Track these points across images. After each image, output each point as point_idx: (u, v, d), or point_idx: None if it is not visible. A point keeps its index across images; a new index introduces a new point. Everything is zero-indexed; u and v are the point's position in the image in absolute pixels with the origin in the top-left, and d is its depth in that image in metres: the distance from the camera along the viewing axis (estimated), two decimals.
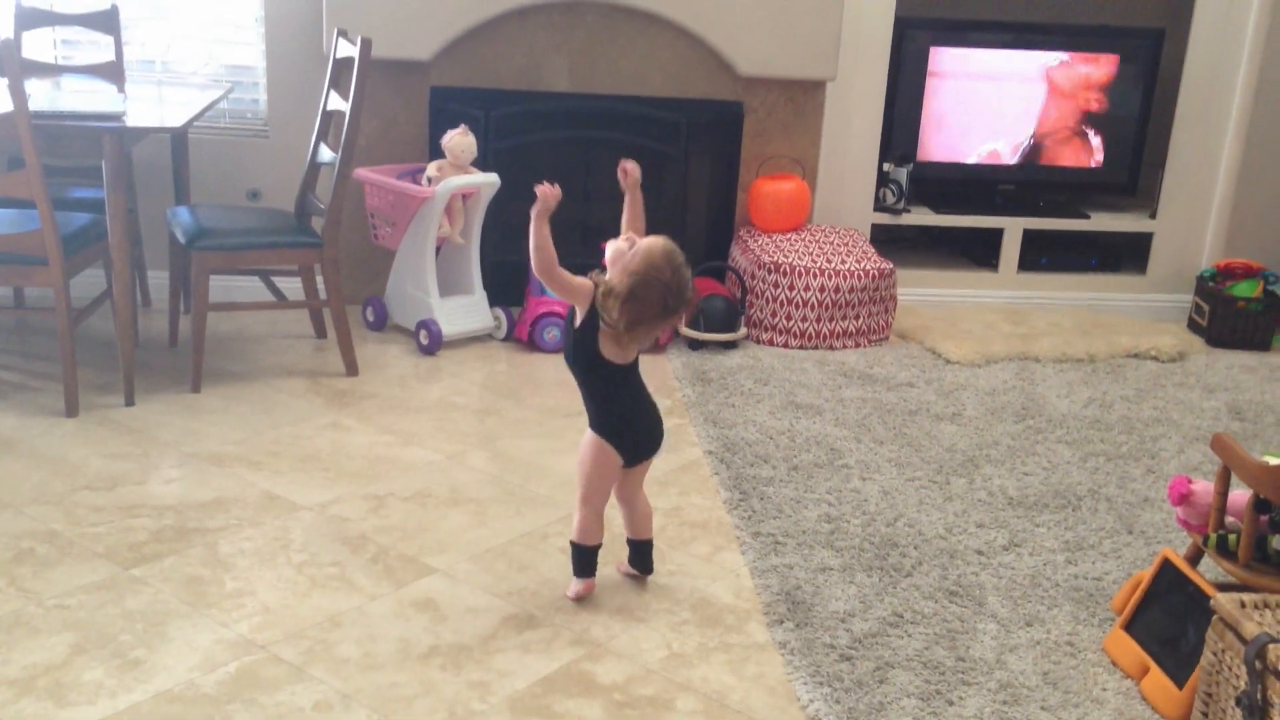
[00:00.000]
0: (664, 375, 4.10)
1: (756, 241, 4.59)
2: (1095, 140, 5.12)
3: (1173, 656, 2.43)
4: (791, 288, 4.38)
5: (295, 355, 4.10)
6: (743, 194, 4.76)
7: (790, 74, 4.57)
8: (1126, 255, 5.24)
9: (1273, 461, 2.37)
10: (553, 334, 4.20)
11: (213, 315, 4.14)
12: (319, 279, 4.14)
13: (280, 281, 4.29)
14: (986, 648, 2.59)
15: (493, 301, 4.34)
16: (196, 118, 3.72)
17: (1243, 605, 2.13)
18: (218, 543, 2.85)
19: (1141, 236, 5.17)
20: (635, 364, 2.62)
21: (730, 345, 4.37)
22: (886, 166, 4.94)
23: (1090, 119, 5.10)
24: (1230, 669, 2.12)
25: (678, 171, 4.63)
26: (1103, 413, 3.98)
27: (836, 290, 4.39)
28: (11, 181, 3.31)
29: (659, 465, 3.36)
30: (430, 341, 4.14)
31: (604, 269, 2.55)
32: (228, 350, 4.09)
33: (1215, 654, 2.18)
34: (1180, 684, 2.37)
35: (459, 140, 4.13)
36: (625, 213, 2.64)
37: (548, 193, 2.47)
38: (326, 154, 3.94)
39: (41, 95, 3.70)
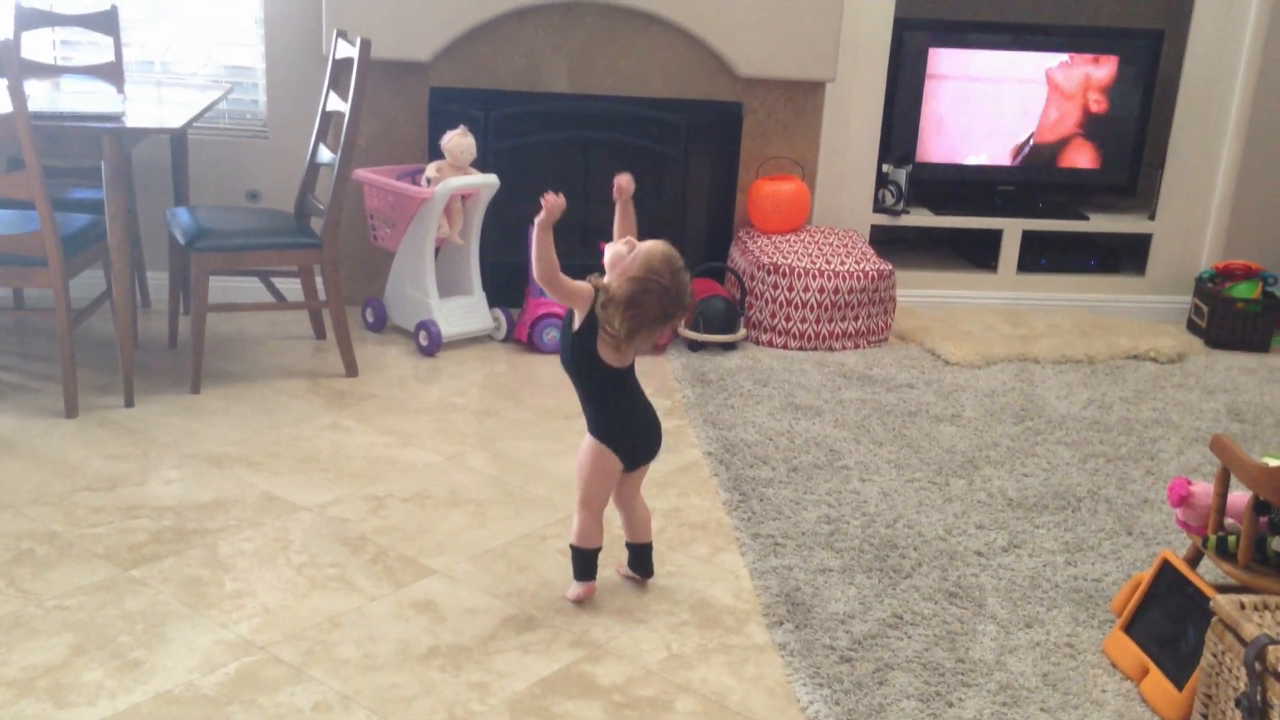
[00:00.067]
0: (663, 376, 4.10)
1: (756, 243, 4.59)
2: (1094, 141, 5.12)
3: (1172, 658, 2.43)
4: (791, 289, 4.38)
5: (295, 356, 4.10)
6: (742, 195, 4.76)
7: (790, 75, 4.57)
8: (1125, 256, 5.24)
9: (1272, 463, 2.37)
10: (552, 335, 4.20)
11: (212, 316, 4.14)
12: (318, 280, 4.14)
13: (280, 282, 4.29)
14: (986, 649, 2.59)
15: (492, 302, 4.34)
16: (196, 118, 3.72)
17: (1242, 607, 2.13)
18: (217, 544, 2.85)
19: (1141, 238, 5.17)
20: (632, 367, 2.62)
21: (729, 346, 4.37)
22: (886, 167, 4.94)
23: (1089, 120, 5.10)
24: (1230, 670, 2.13)
25: (677, 172, 4.63)
26: (1102, 414, 3.98)
27: (836, 291, 4.39)
28: (11, 182, 3.31)
29: (658, 466, 3.36)
30: (430, 342, 4.14)
31: (603, 271, 2.55)
32: (227, 351, 4.09)
33: (1215, 655, 2.18)
34: (1180, 685, 2.37)
35: (458, 141, 4.13)
36: (616, 223, 2.64)
37: (552, 202, 2.47)
38: (326, 155, 3.94)
39: (41, 96, 3.70)
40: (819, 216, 4.91)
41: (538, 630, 2.58)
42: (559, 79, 4.52)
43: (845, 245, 4.60)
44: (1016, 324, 4.81)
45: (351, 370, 3.92)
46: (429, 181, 4.14)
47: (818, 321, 4.41)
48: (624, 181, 2.62)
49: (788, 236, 4.65)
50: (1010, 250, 5.05)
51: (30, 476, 3.12)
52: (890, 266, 4.51)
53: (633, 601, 2.72)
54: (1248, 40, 4.87)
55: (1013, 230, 5.03)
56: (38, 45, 4.39)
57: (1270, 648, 1.99)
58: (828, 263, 4.42)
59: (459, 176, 4.15)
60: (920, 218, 5.04)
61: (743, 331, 4.42)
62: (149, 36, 4.52)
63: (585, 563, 2.70)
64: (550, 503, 3.15)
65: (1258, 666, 2.01)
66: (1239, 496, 2.53)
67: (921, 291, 5.01)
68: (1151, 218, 5.13)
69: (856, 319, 4.47)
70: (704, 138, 4.64)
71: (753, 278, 4.45)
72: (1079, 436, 3.78)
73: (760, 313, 4.45)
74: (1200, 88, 4.95)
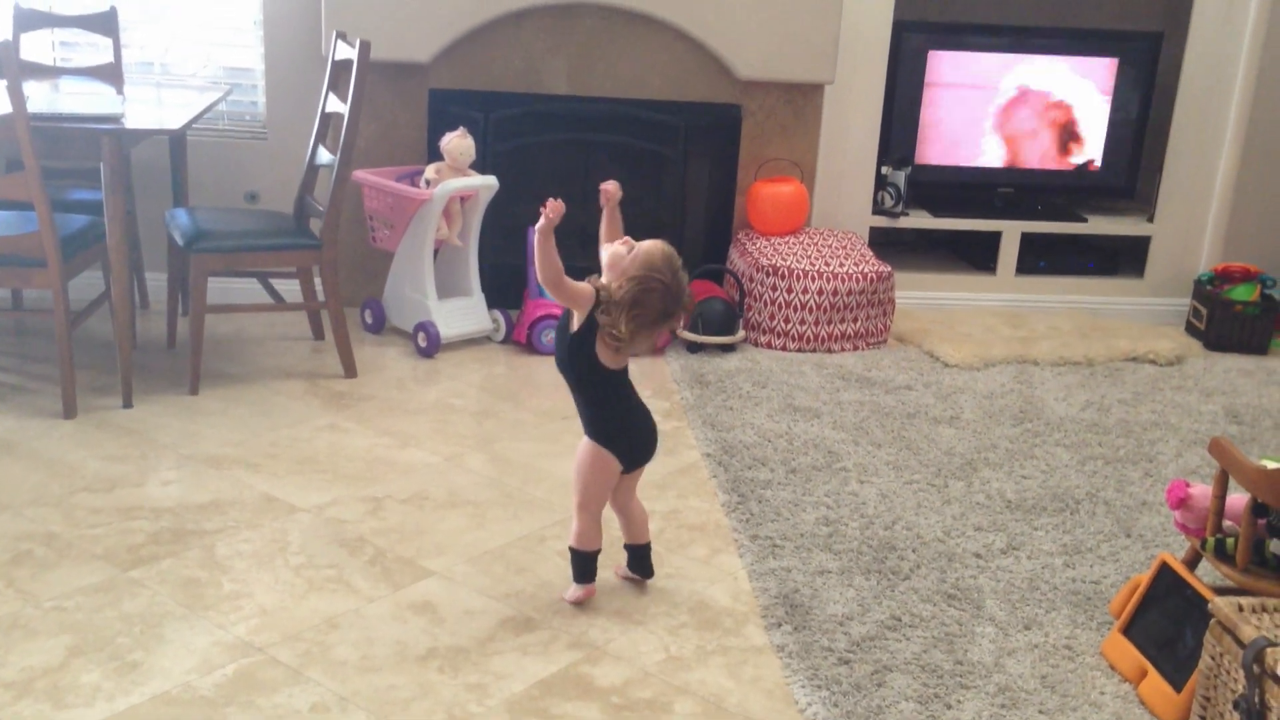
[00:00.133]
0: (662, 378, 4.10)
1: (755, 244, 4.59)
2: (1093, 144, 5.12)
3: (1171, 660, 2.43)
4: (790, 291, 4.38)
5: (293, 357, 4.10)
6: (741, 197, 4.76)
7: (789, 77, 4.57)
8: (1124, 259, 5.24)
9: (1270, 465, 2.37)
10: (551, 336, 4.20)
11: (211, 317, 4.14)
12: (317, 281, 4.14)
13: (278, 283, 4.29)
14: (985, 651, 2.59)
15: (491, 304, 4.33)
16: (195, 120, 3.72)
17: (1240, 609, 2.13)
18: (215, 545, 2.85)
19: (1139, 240, 5.17)
20: (626, 369, 2.62)
21: (728, 348, 4.37)
22: (884, 169, 4.95)
23: (1088, 122, 5.10)
24: (1228, 673, 2.13)
25: (676, 174, 4.63)
26: (1101, 416, 3.98)
27: (835, 293, 4.39)
28: (10, 183, 3.31)
29: (657, 468, 3.36)
30: (428, 344, 4.14)
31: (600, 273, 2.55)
32: (226, 352, 4.09)
33: (1213, 658, 2.18)
34: (1178, 688, 2.37)
35: (457, 143, 4.13)
36: (603, 228, 2.63)
37: (553, 207, 2.47)
38: (325, 156, 3.94)
39: (40, 97, 3.70)
40: (818, 218, 4.92)
41: (536, 631, 2.58)
42: (558, 81, 4.52)
43: (844, 247, 4.61)
44: (1015, 326, 4.81)
45: (350, 371, 3.92)
46: (428, 183, 4.14)
47: (816, 323, 4.41)
48: (611, 188, 2.62)
49: (787, 238, 4.65)
50: (1009, 252, 5.05)
51: (28, 477, 3.12)
52: (889, 268, 4.51)
53: (631, 603, 2.72)
54: (1247, 43, 4.88)
55: (1011, 232, 5.03)
56: (37, 46, 4.39)
57: (1268, 650, 1.99)
58: (826, 265, 4.42)
59: (458, 178, 4.15)
60: (919, 220, 5.04)
61: (741, 333, 4.42)
62: (148, 38, 4.52)
63: (585, 565, 2.70)
64: (549, 504, 3.15)
65: (1256, 669, 2.01)
66: (1237, 499, 2.53)
67: (920, 293, 5.01)
68: (1150, 220, 5.13)
69: (855, 321, 4.47)
70: (703, 139, 4.64)
71: (751, 279, 4.46)
72: (1078, 438, 3.78)
73: (759, 314, 4.45)
74: (1199, 90, 4.95)
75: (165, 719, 2.24)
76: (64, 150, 3.50)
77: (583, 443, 2.64)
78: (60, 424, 3.45)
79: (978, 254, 5.14)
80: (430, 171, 4.17)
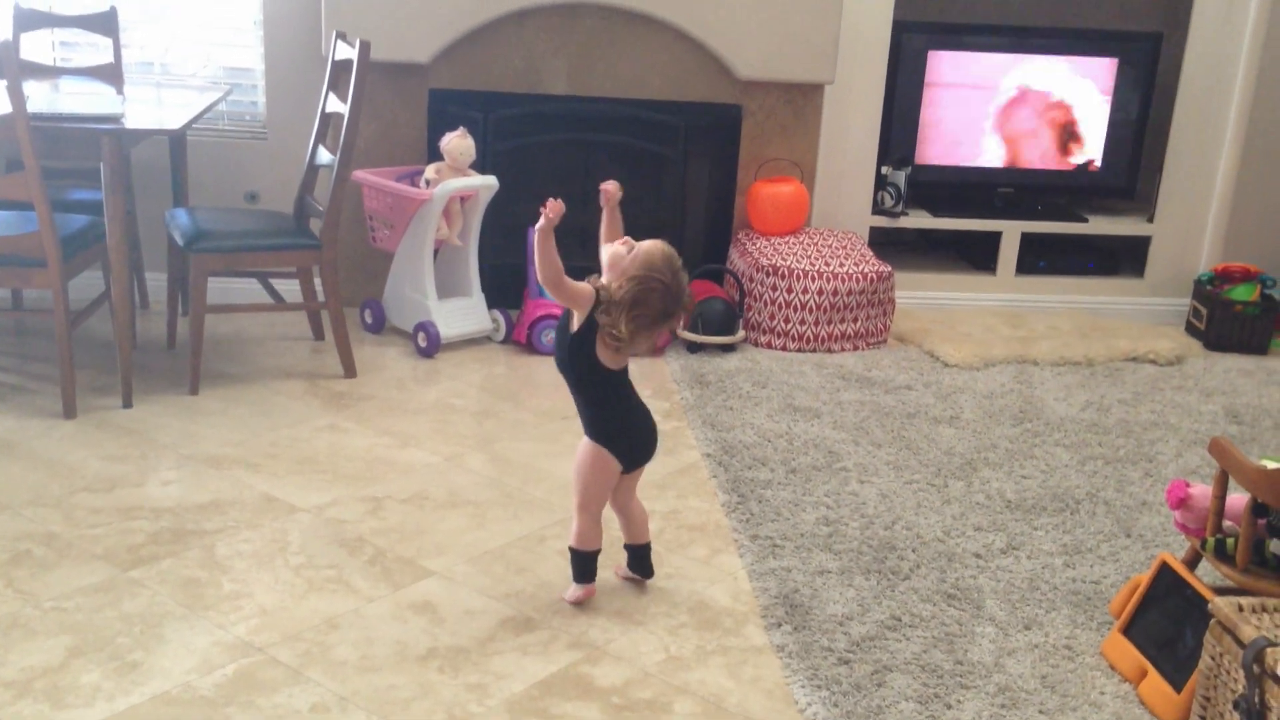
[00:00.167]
0: (662, 378, 4.10)
1: (755, 244, 4.59)
2: (1093, 144, 5.12)
3: (1170, 660, 2.43)
4: (790, 290, 4.38)
5: (293, 357, 4.10)
6: (741, 197, 4.76)
7: (789, 77, 4.57)
8: (1124, 259, 5.24)
9: (1270, 465, 2.37)
10: (551, 336, 4.20)
11: (211, 317, 4.14)
12: (317, 281, 4.14)
13: (278, 284, 4.29)
14: (985, 651, 2.59)
15: (491, 304, 4.33)
16: (195, 120, 3.72)
17: (1240, 609, 2.13)
18: (215, 545, 2.85)
19: (1139, 240, 5.17)
20: (626, 369, 2.62)
21: (728, 348, 4.37)
22: (885, 169, 4.95)
23: (1088, 123, 5.10)
24: (1228, 673, 2.13)
25: (676, 174, 4.63)
26: (1101, 416, 3.98)
27: (835, 293, 4.39)
28: (10, 183, 3.31)
29: (657, 468, 3.36)
30: (428, 344, 4.14)
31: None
32: (226, 352, 4.09)
33: (1213, 658, 2.18)
34: (1178, 688, 2.37)
35: (457, 143, 4.13)
36: (603, 228, 2.63)
37: (552, 207, 2.47)
38: (325, 156, 3.94)
39: (40, 97, 3.70)
40: (818, 218, 4.92)
41: (536, 632, 2.58)
42: (558, 81, 4.52)
43: (844, 247, 4.61)
44: (1015, 326, 4.81)
45: (350, 371, 3.92)
46: (428, 183, 4.14)
47: (816, 323, 4.41)
48: (611, 188, 2.62)
49: (787, 238, 4.65)
50: (1009, 252, 5.05)
51: (28, 477, 3.12)
52: (889, 268, 4.51)
53: (631, 603, 2.72)
54: (1246, 43, 4.88)
55: (1011, 232, 5.03)
56: (37, 46, 4.39)
57: (1268, 650, 1.99)
58: (826, 265, 4.42)
59: (458, 178, 4.15)
60: (919, 220, 5.04)
61: (741, 333, 4.42)
62: (148, 38, 4.52)
63: (585, 565, 2.70)
64: (549, 504, 3.15)
65: (1256, 669, 2.01)
66: (1237, 499, 2.53)
67: (920, 293, 5.01)
68: (1150, 220, 5.13)
69: (855, 321, 4.47)
70: (703, 140, 4.64)
71: (751, 279, 4.46)
72: (1078, 438, 3.78)
73: (759, 314, 4.45)
74: (1199, 90, 4.96)
75: (165, 719, 2.24)
76: (64, 150, 3.50)
77: (583, 443, 2.64)
78: (60, 424, 3.45)
79: (978, 254, 5.14)
80: (430, 171, 4.17)
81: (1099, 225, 5.13)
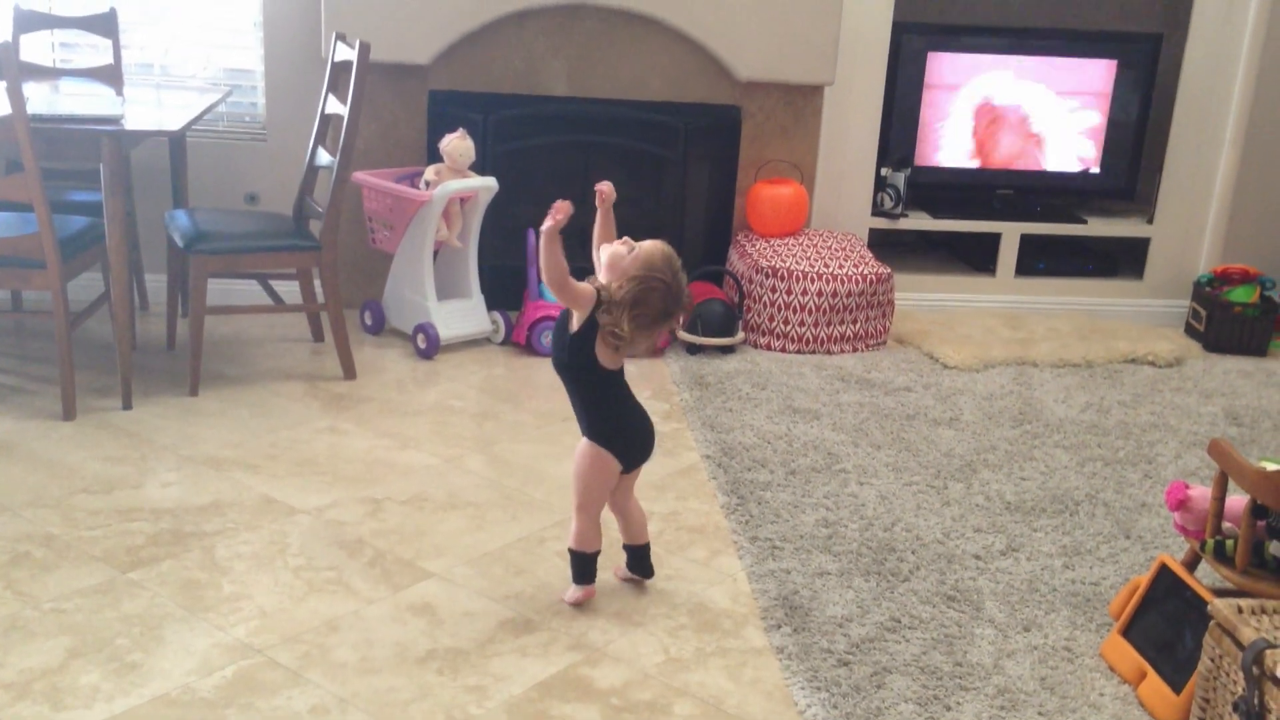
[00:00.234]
0: (662, 379, 4.10)
1: (754, 246, 4.59)
2: (1093, 145, 5.13)
3: (1170, 662, 2.43)
4: (789, 292, 4.38)
5: (293, 359, 4.10)
6: (741, 198, 4.76)
7: (788, 78, 4.57)
8: (1124, 260, 5.24)
9: (1270, 467, 2.37)
10: (550, 338, 4.20)
11: (210, 319, 4.14)
12: (317, 282, 4.14)
13: (278, 285, 4.29)
14: (984, 653, 2.59)
15: (490, 305, 4.34)
16: (195, 121, 3.72)
17: (1240, 611, 2.13)
18: (215, 546, 2.85)
19: (1139, 241, 5.17)
20: (623, 369, 2.63)
21: (728, 350, 4.37)
22: (884, 171, 4.95)
23: (1088, 124, 5.10)
24: (1227, 674, 2.13)
25: (676, 176, 4.63)
26: (1100, 418, 3.98)
27: (834, 295, 4.39)
28: (10, 185, 3.31)
29: (657, 470, 3.36)
30: (428, 345, 4.14)
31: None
32: (225, 354, 4.09)
33: (1212, 659, 2.18)
34: (1177, 689, 2.37)
35: (457, 144, 4.13)
36: (596, 229, 2.63)
37: (560, 208, 2.47)
38: (325, 157, 3.94)
39: (40, 98, 3.70)
40: (817, 220, 4.92)
41: (535, 633, 2.58)
42: (558, 82, 4.52)
43: (844, 249, 4.61)
44: (1015, 328, 4.81)
45: (349, 373, 3.92)
46: (428, 184, 4.14)
47: (816, 325, 4.41)
48: (605, 188, 2.62)
49: (786, 240, 4.65)
50: (1008, 254, 5.05)
51: (27, 479, 3.12)
52: (888, 270, 4.51)
53: (630, 604, 2.72)
54: (1246, 44, 4.88)
55: (1011, 234, 5.03)
56: (37, 48, 4.39)
57: (1268, 652, 1.99)
58: (826, 266, 4.42)
59: (458, 180, 4.15)
60: (918, 221, 5.04)
61: (741, 335, 4.42)
62: (148, 39, 4.52)
63: (584, 566, 2.70)
64: (548, 506, 3.15)
65: (1255, 670, 2.01)
66: (1237, 500, 2.53)
67: (920, 295, 5.01)
68: (1150, 222, 5.13)
69: (855, 322, 4.47)
70: (703, 141, 4.64)
71: (751, 281, 4.46)
72: (1077, 440, 3.78)
73: (759, 316, 4.45)
74: (1199, 92, 4.96)
75: None
76: (64, 151, 3.50)
77: (581, 444, 2.65)
78: (59, 425, 3.45)
79: (977, 255, 5.15)
80: (430, 173, 4.17)
81: (1098, 227, 5.13)
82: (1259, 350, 4.76)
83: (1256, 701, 2.01)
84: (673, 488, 3.31)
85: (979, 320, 4.88)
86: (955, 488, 3.39)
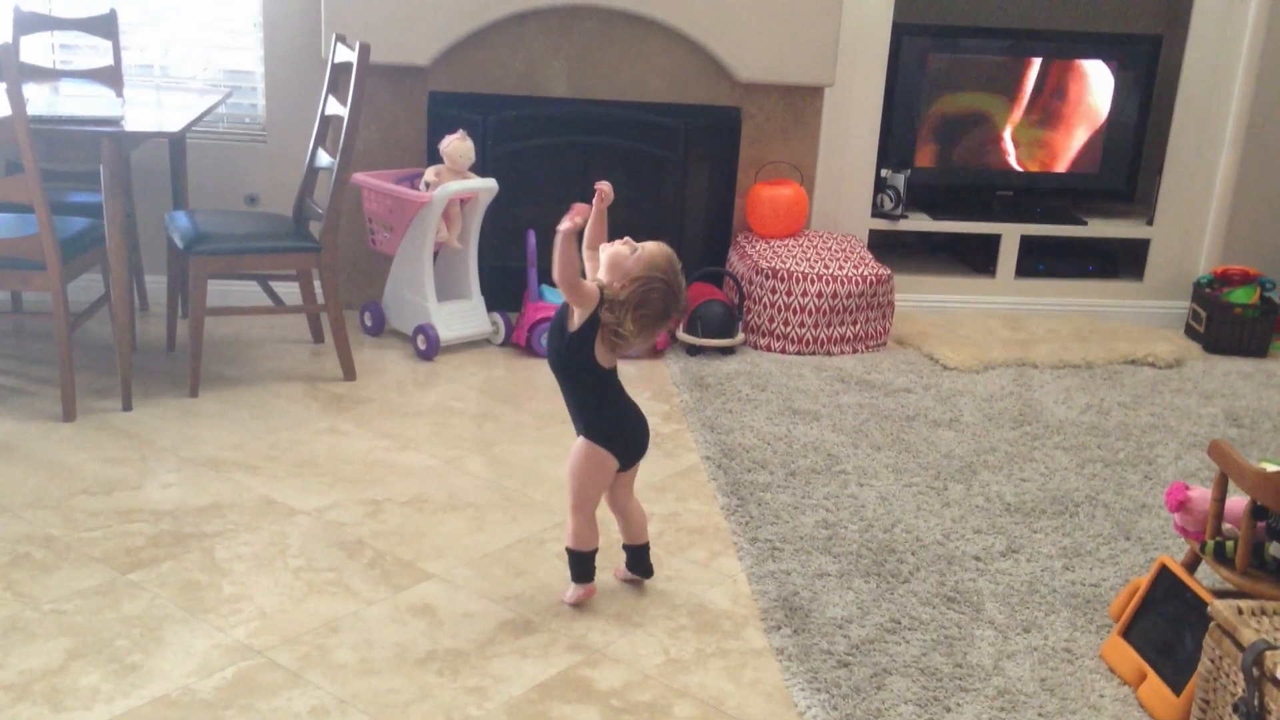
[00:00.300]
0: (662, 380, 4.09)
1: (754, 247, 4.59)
2: (1093, 146, 5.13)
3: (1170, 663, 2.43)
4: (789, 293, 4.38)
5: (293, 360, 4.10)
6: (741, 199, 4.77)
7: (788, 80, 4.57)
8: (1124, 261, 5.24)
9: (1270, 468, 2.37)
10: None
11: (210, 320, 4.14)
12: (317, 284, 4.14)
13: (278, 286, 4.29)
14: (984, 654, 2.59)
15: (490, 306, 4.34)
16: (195, 122, 3.72)
17: (1240, 612, 2.13)
18: (215, 548, 2.85)
19: (1139, 243, 5.17)
20: (616, 368, 2.64)
21: (728, 351, 4.37)
22: (884, 172, 4.95)
23: (1087, 125, 5.10)
24: (1228, 676, 2.13)
25: (676, 177, 4.63)
26: (1100, 419, 3.98)
27: (834, 296, 4.39)
28: (10, 186, 3.31)
29: (657, 471, 3.36)
30: (428, 346, 4.14)
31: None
32: (225, 355, 4.09)
33: (1213, 661, 2.18)
34: (1178, 691, 2.37)
35: (457, 145, 4.13)
36: (589, 228, 2.64)
37: (580, 210, 2.49)
38: (325, 159, 3.94)
39: (40, 100, 3.70)
40: (817, 221, 4.92)
41: (535, 634, 2.58)
42: (558, 84, 4.52)
43: (844, 250, 4.61)
44: (1015, 329, 4.81)
45: (349, 374, 3.92)
46: (428, 186, 4.14)
47: (816, 326, 4.41)
48: (605, 188, 2.63)
49: (786, 241, 4.65)
50: (1008, 255, 5.05)
51: (27, 480, 3.12)
52: (888, 271, 4.51)
53: (630, 606, 2.72)
54: (1246, 45, 4.88)
55: (1011, 235, 5.03)
56: (37, 49, 4.39)
57: (1268, 653, 1.99)
58: (826, 267, 4.42)
59: (457, 181, 4.15)
60: (918, 222, 5.04)
61: (741, 336, 4.42)
62: (148, 40, 4.52)
63: (583, 565, 2.70)
64: (548, 507, 3.15)
65: (1255, 672, 2.01)
66: (1237, 501, 2.53)
67: (920, 296, 5.01)
68: (1150, 223, 5.13)
69: (855, 324, 4.47)
70: (703, 142, 4.64)
71: (751, 282, 4.46)
72: (1077, 441, 3.78)
73: (759, 317, 4.45)
74: (1198, 93, 4.96)
75: None
76: (64, 153, 3.50)
77: (578, 443, 2.65)
78: (59, 426, 3.45)
79: (977, 257, 5.15)
80: (430, 174, 4.17)
81: (1098, 228, 5.13)
82: (1259, 351, 4.76)
83: (1256, 703, 2.01)
84: (673, 489, 3.31)
85: (979, 321, 4.88)
86: (955, 489, 3.39)
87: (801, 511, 3.19)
